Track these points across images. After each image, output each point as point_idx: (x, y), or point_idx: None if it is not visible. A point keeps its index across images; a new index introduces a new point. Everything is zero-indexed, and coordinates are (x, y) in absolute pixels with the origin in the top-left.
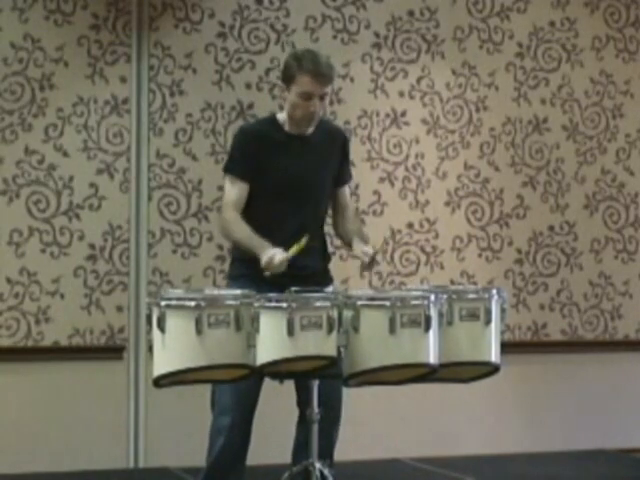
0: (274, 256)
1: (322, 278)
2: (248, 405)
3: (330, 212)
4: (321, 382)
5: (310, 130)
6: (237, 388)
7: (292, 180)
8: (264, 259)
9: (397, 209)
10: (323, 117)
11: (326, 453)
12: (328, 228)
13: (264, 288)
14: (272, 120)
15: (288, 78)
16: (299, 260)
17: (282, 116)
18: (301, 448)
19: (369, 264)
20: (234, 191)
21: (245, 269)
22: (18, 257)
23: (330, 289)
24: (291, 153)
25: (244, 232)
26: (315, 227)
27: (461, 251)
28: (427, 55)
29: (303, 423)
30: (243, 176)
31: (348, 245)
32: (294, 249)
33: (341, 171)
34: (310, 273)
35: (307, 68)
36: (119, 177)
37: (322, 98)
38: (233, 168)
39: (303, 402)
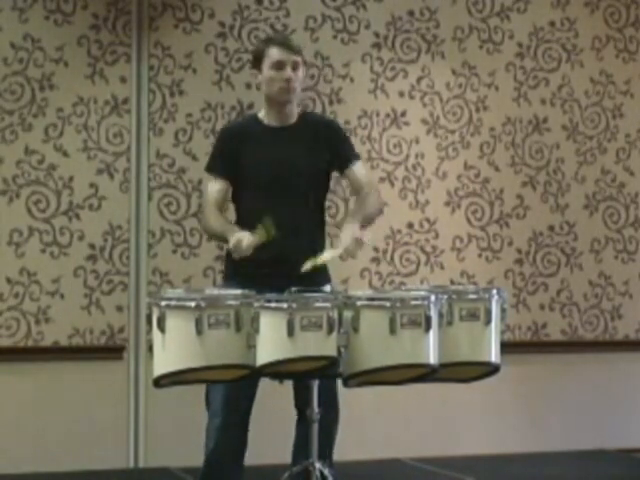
0: (242, 239)
1: (317, 278)
2: (240, 406)
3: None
4: (320, 382)
5: (292, 120)
6: (228, 389)
7: (275, 171)
8: (232, 241)
9: (397, 209)
10: (311, 111)
11: (325, 453)
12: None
13: (258, 289)
14: (253, 116)
15: (258, 58)
16: (291, 257)
17: (262, 113)
18: (301, 449)
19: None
20: (213, 189)
21: (238, 269)
22: (18, 257)
23: (327, 288)
24: (272, 145)
25: (217, 221)
26: (305, 220)
27: (461, 251)
28: (427, 55)
29: (302, 423)
30: (222, 175)
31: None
32: (260, 234)
33: (338, 156)
34: (304, 272)
35: (272, 41)
36: (119, 177)
37: (295, 68)
38: (212, 167)
39: (302, 403)
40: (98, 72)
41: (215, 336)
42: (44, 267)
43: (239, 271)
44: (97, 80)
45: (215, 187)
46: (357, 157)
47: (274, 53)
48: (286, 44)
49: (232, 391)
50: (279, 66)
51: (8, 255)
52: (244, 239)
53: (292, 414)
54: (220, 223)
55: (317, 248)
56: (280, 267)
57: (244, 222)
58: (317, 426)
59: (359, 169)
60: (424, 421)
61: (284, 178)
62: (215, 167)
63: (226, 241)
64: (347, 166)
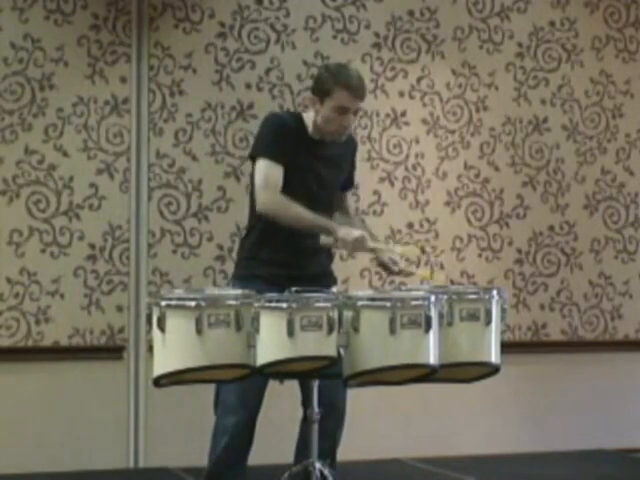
0: (365, 234)
1: (328, 279)
2: (253, 405)
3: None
4: (326, 382)
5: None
6: (242, 388)
7: (311, 182)
8: (354, 235)
9: (397, 209)
10: None
11: (329, 454)
12: None
13: (274, 289)
14: (299, 118)
15: (323, 92)
16: (305, 260)
17: (308, 118)
18: (303, 447)
19: (395, 273)
20: (274, 173)
21: (256, 269)
22: (18, 257)
23: (334, 290)
24: (313, 157)
25: (306, 210)
26: None
27: (461, 251)
28: (427, 55)
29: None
30: (279, 159)
31: None
32: (412, 252)
33: (348, 177)
34: (318, 273)
35: (344, 83)
36: (119, 177)
37: (355, 112)
38: (268, 150)
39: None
40: (98, 72)
41: (215, 336)
42: (44, 267)
43: (259, 271)
44: (97, 80)
45: (275, 172)
46: (353, 184)
47: (342, 98)
48: (356, 89)
49: (247, 390)
50: (342, 111)
51: (8, 255)
52: (369, 240)
53: (293, 414)
54: (311, 213)
55: (330, 254)
56: (303, 270)
57: (267, 223)
58: (317, 426)
59: (350, 196)
60: (424, 421)
61: (317, 189)
62: (273, 151)
63: (324, 231)
64: (347, 190)
